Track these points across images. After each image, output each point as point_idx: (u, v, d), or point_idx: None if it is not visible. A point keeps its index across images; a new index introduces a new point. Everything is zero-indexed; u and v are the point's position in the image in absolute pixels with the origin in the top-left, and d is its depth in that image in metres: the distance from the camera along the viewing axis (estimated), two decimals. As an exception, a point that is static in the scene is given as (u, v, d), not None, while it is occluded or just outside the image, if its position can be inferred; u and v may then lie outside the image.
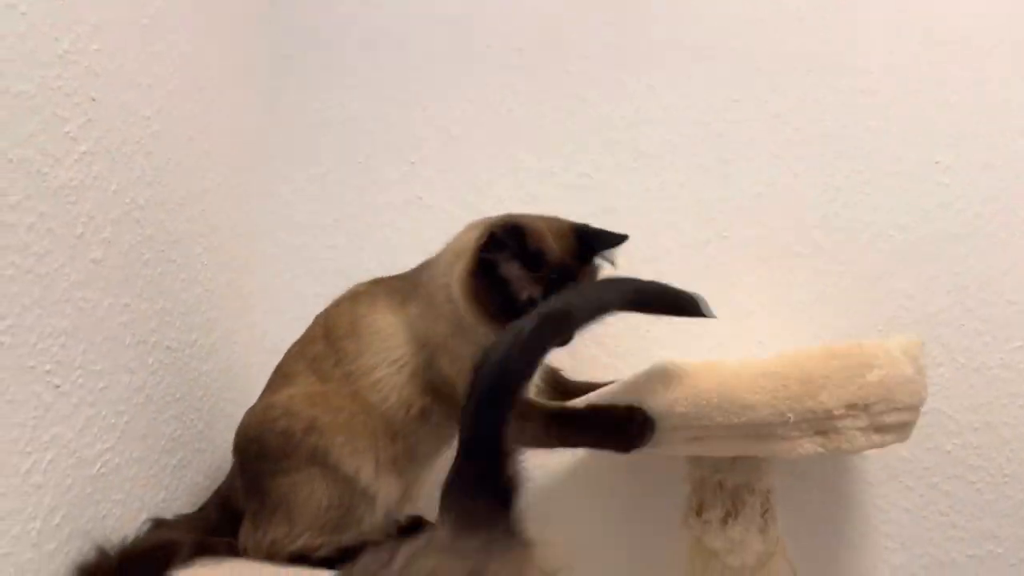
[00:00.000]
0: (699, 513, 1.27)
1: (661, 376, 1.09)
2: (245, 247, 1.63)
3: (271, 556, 1.23)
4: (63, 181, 1.06)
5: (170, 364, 1.32)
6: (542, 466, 1.60)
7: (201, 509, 1.35)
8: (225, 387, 1.52)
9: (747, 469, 1.24)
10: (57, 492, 1.05)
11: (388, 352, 1.29)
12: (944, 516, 1.53)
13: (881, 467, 1.55)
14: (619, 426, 1.11)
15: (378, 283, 1.38)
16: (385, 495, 1.26)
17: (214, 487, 1.47)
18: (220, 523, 1.29)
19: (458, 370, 1.23)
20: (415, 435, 1.28)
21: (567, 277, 1.20)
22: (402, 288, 1.35)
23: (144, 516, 1.24)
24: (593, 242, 1.26)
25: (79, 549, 1.08)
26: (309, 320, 1.68)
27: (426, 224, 1.69)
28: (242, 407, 1.50)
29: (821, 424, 1.06)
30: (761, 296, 1.60)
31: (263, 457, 1.24)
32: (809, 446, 1.07)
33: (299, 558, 1.22)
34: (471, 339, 1.23)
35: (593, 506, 1.59)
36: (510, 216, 1.26)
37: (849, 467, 1.55)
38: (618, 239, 1.28)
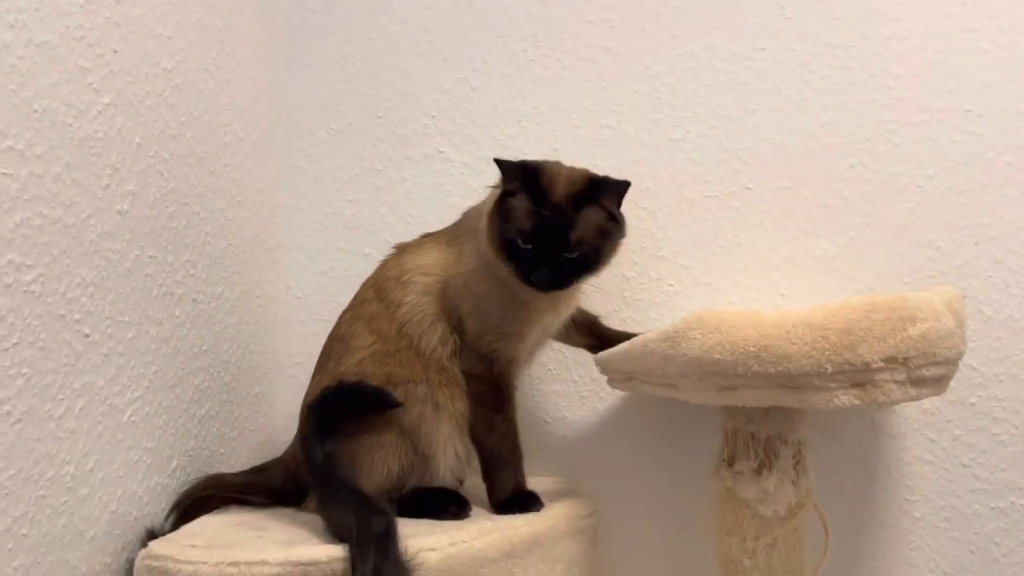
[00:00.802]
0: (731, 464, 1.27)
1: (698, 323, 1.09)
2: (268, 201, 1.63)
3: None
4: (87, 132, 1.07)
5: (196, 316, 1.34)
6: (574, 413, 1.61)
7: (263, 470, 1.38)
8: (251, 340, 1.54)
9: (780, 420, 1.25)
10: (89, 438, 1.07)
11: (421, 285, 1.34)
12: (966, 468, 1.53)
13: (903, 420, 1.55)
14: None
15: (427, 234, 1.44)
16: (452, 455, 1.30)
17: (241, 437, 1.50)
18: (284, 489, 1.32)
19: (472, 306, 1.30)
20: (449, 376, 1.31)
21: (560, 217, 1.24)
22: (449, 231, 1.41)
23: (175, 464, 1.27)
24: (595, 189, 1.28)
25: (112, 494, 1.11)
26: (332, 274, 1.71)
27: (447, 178, 1.68)
28: (267, 360, 1.53)
29: (858, 376, 1.06)
30: (785, 248, 1.59)
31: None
32: (845, 398, 1.06)
33: None
34: (491, 276, 1.28)
35: (624, 455, 1.60)
36: (541, 160, 1.32)
37: (871, 420, 1.55)
38: (620, 185, 1.31)
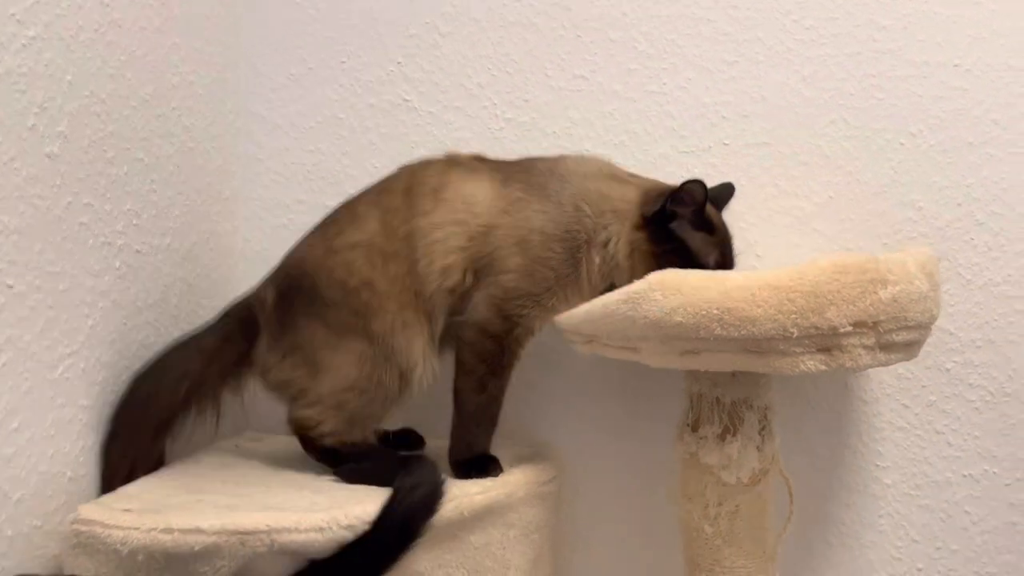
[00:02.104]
0: (695, 429, 1.23)
1: (660, 284, 1.04)
2: (224, 149, 1.56)
3: (276, 389, 1.28)
4: (9, 67, 0.99)
5: (140, 268, 1.27)
6: (539, 377, 1.56)
7: (224, 317, 1.33)
8: (203, 294, 1.47)
9: (746, 385, 1.20)
10: (14, 396, 1.01)
11: (459, 214, 1.27)
12: (940, 435, 1.50)
13: (877, 384, 1.51)
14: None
15: (481, 159, 1.36)
16: (420, 378, 1.26)
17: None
18: (238, 334, 1.30)
19: (521, 265, 1.24)
20: (438, 315, 1.27)
21: (726, 244, 1.29)
22: (510, 170, 1.33)
23: (116, 423, 1.21)
24: (719, 204, 1.35)
25: (41, 454, 1.05)
26: (291, 227, 1.62)
27: (412, 128, 1.60)
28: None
29: (825, 341, 1.01)
30: (762, 207, 1.53)
31: (310, 297, 1.26)
32: (811, 363, 1.02)
33: (305, 434, 1.26)
34: (561, 249, 1.25)
35: (589, 419, 1.56)
36: (691, 181, 1.25)
37: (844, 384, 1.51)
38: (729, 192, 1.40)
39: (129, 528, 0.95)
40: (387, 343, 1.24)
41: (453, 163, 1.34)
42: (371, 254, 1.26)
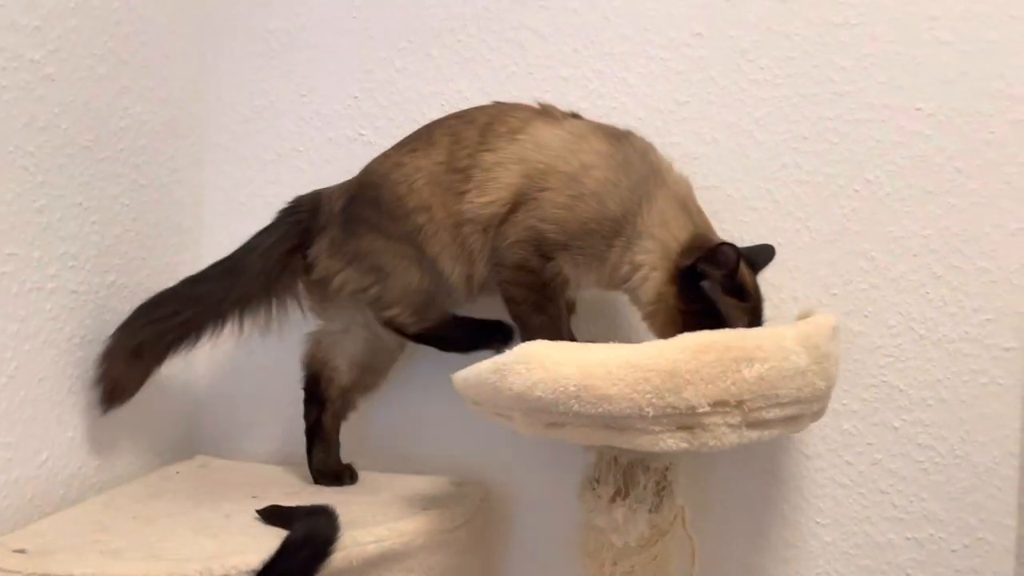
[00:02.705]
0: (594, 488, 1.23)
1: (525, 357, 1.03)
2: (185, 181, 1.61)
3: (346, 294, 1.37)
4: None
5: (76, 308, 1.33)
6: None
7: (280, 216, 1.42)
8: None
9: (642, 446, 1.18)
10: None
11: (525, 152, 1.27)
12: (884, 495, 1.44)
13: (820, 439, 1.46)
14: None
15: (577, 115, 1.37)
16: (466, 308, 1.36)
17: (148, 418, 1.50)
18: (293, 234, 1.39)
19: (561, 201, 1.24)
20: (477, 257, 1.31)
21: (757, 311, 1.26)
22: (604, 129, 1.32)
23: (44, 455, 1.29)
24: (757, 267, 1.31)
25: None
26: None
27: (367, 162, 1.62)
28: None
29: (684, 420, 0.99)
30: (712, 250, 1.50)
31: (374, 205, 1.34)
32: (671, 441, 1.00)
33: (396, 328, 1.37)
34: (597, 214, 1.24)
35: (525, 451, 1.57)
36: (725, 244, 1.22)
37: (785, 437, 1.47)
38: (769, 255, 1.34)
39: (13, 572, 1.01)
40: (437, 265, 1.31)
41: (544, 112, 1.34)
42: (432, 180, 1.30)
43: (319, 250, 1.38)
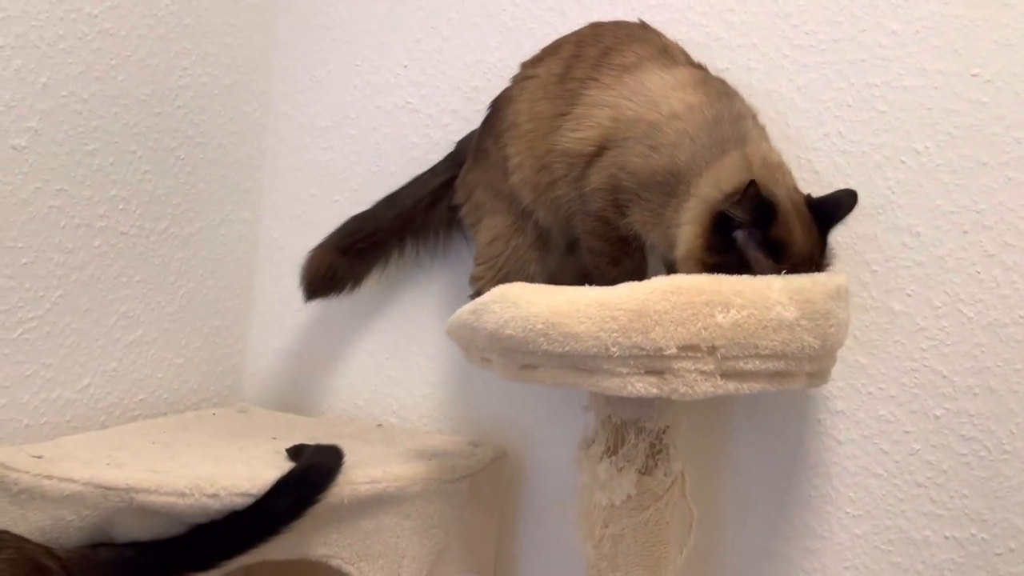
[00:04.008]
0: (588, 448, 1.20)
1: (501, 297, 1.03)
2: (246, 144, 1.70)
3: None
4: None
5: (124, 248, 1.44)
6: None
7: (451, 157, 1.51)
8: (208, 274, 1.62)
9: (637, 405, 1.15)
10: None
11: (622, 96, 1.22)
12: (921, 488, 1.34)
13: (853, 424, 1.37)
14: None
15: (692, 62, 1.32)
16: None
17: (190, 365, 1.60)
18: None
19: (639, 150, 1.17)
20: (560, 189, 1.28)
21: (805, 270, 1.11)
22: (711, 84, 1.25)
23: (87, 382, 1.39)
24: (829, 222, 1.17)
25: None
26: (303, 218, 1.75)
27: (412, 129, 1.67)
28: (234, 295, 1.69)
29: (653, 363, 0.96)
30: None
31: (490, 127, 1.38)
32: (640, 386, 0.97)
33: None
34: (666, 164, 1.16)
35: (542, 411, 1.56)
36: (765, 189, 1.10)
37: (816, 420, 1.39)
38: (849, 204, 1.18)
39: (21, 471, 1.10)
40: (524, 207, 1.30)
41: (665, 52, 1.29)
42: (534, 100, 1.29)
43: (457, 182, 1.43)
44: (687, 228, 1.13)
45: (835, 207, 1.17)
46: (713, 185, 1.14)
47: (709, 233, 1.10)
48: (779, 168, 1.18)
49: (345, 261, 1.51)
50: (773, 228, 1.09)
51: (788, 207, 1.12)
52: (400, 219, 1.50)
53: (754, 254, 1.09)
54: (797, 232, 1.12)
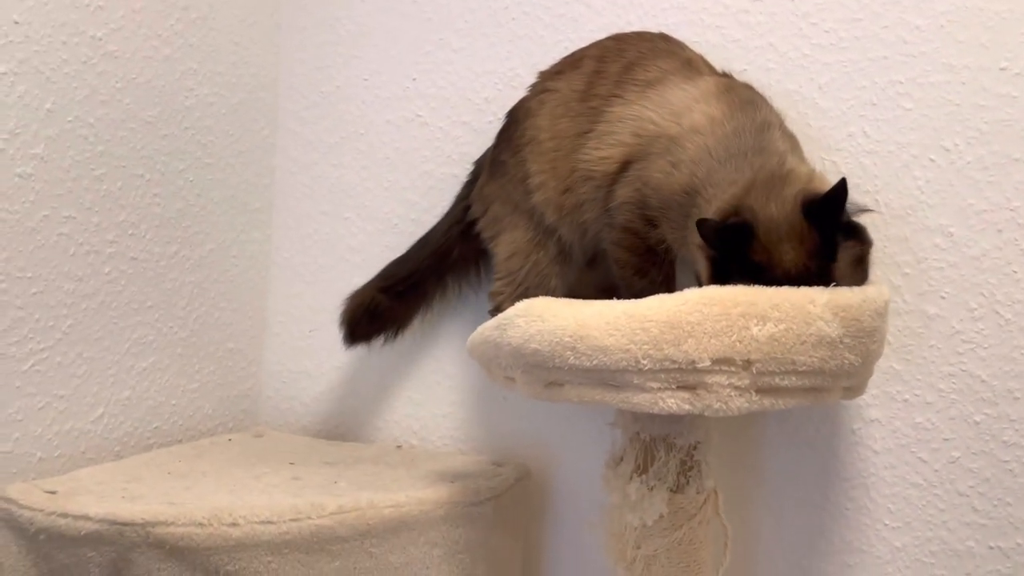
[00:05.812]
0: (616, 466, 1.16)
1: (526, 310, 1.00)
2: (254, 163, 1.68)
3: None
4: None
5: (135, 274, 1.41)
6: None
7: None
8: (220, 297, 1.59)
9: (666, 420, 1.11)
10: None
11: (646, 111, 1.20)
12: (963, 497, 1.29)
13: (889, 433, 1.33)
14: None
15: (716, 72, 1.29)
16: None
17: (205, 390, 1.57)
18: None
19: (662, 165, 1.14)
20: (574, 229, 1.26)
21: (802, 283, 1.01)
22: (736, 95, 1.20)
23: (100, 411, 1.36)
24: (829, 221, 1.05)
25: (6, 436, 1.21)
26: (315, 237, 1.72)
27: (423, 143, 1.64)
28: (246, 317, 1.65)
29: (685, 377, 0.92)
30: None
31: (507, 139, 1.34)
32: (672, 401, 0.93)
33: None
34: (686, 180, 1.12)
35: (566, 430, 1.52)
36: (744, 209, 1.05)
37: (851, 430, 1.35)
38: (841, 197, 1.05)
39: (36, 510, 1.07)
40: (546, 223, 1.27)
41: (689, 65, 1.26)
42: (555, 110, 1.26)
43: (473, 195, 1.40)
44: (696, 251, 1.10)
45: (826, 205, 1.05)
46: (717, 206, 1.09)
47: (709, 263, 1.07)
48: (783, 179, 1.09)
49: (385, 300, 1.46)
50: (752, 251, 1.03)
51: (769, 225, 1.04)
52: (435, 255, 1.45)
53: (736, 280, 1.02)
54: (780, 250, 1.03)
